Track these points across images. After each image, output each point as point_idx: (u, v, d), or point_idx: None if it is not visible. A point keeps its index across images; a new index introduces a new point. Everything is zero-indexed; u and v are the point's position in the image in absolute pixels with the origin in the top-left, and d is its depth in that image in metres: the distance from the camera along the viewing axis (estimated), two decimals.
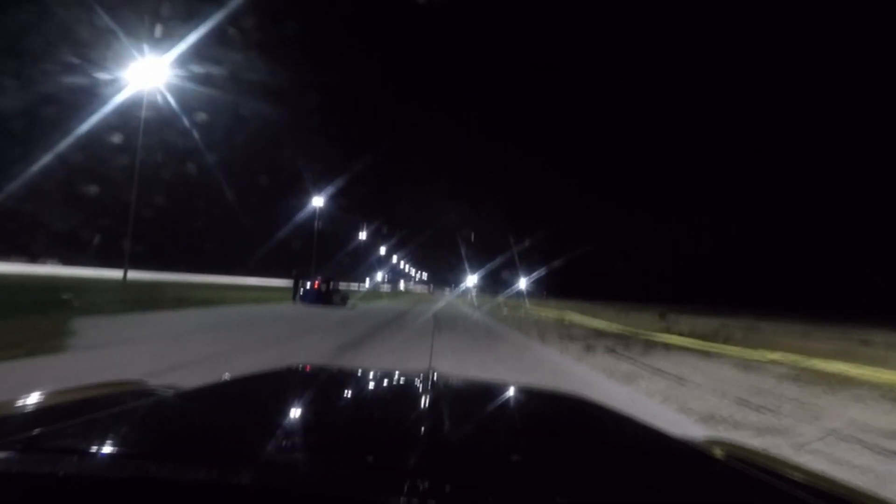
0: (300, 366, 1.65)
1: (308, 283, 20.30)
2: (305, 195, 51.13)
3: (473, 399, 1.40)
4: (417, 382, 1.41)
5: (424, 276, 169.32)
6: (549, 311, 26.37)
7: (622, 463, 0.88)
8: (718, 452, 0.99)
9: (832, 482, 0.87)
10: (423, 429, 0.93)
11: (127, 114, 23.21)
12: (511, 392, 1.52)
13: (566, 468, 0.78)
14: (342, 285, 23.99)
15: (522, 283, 57.07)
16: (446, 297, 51.16)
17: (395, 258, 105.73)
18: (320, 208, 51.07)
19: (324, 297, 19.76)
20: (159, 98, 23.31)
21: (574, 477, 0.74)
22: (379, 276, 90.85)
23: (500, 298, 42.62)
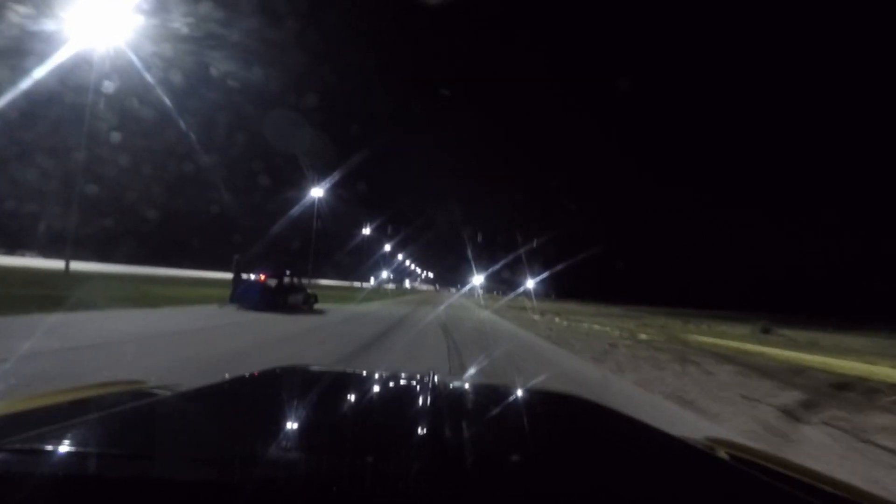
0: (300, 366, 1.62)
1: (253, 277, 12.73)
2: (306, 188, 45.65)
3: (473, 401, 1.32)
4: (418, 384, 1.36)
5: (430, 275, 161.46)
6: (602, 321, 18.78)
7: (623, 463, 0.85)
8: (719, 452, 0.95)
9: (832, 482, 0.83)
10: (422, 430, 0.89)
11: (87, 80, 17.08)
12: (511, 394, 1.42)
13: (567, 468, 0.76)
14: (336, 282, 16.37)
15: (529, 283, 52.17)
16: (453, 297, 44.28)
17: (400, 256, 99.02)
18: (320, 202, 45.71)
19: (273, 299, 12.18)
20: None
21: (575, 477, 0.72)
22: (384, 274, 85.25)
23: (523, 301, 34.99)
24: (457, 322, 13.81)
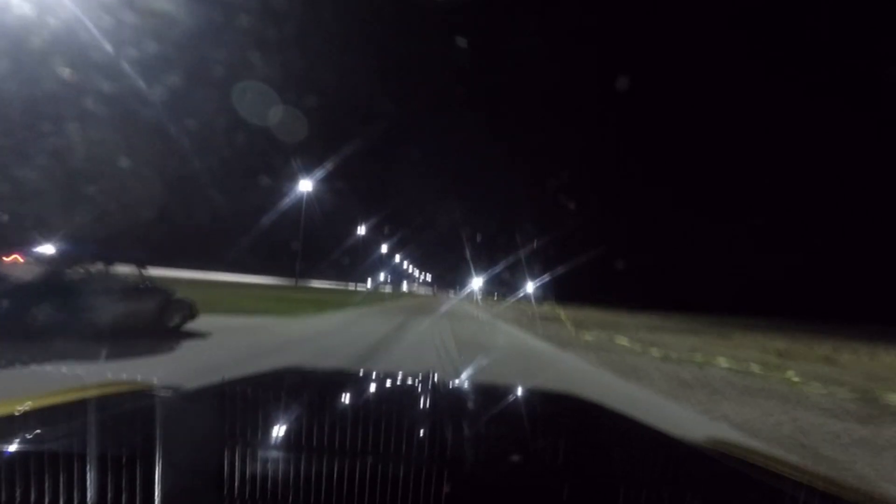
0: (300, 366, 1.59)
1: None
2: (298, 184, 39.53)
3: (474, 400, 1.23)
4: (419, 384, 1.25)
5: (428, 277, 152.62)
6: (693, 343, 11.22)
7: (623, 463, 0.82)
8: (719, 452, 0.91)
9: (832, 482, 0.79)
10: (423, 430, 0.84)
11: None
12: (512, 393, 1.34)
13: (567, 468, 0.74)
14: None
15: (530, 286, 46.98)
16: (453, 302, 37.00)
17: (397, 258, 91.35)
18: (318, 203, 40.01)
19: (25, 309, 4.61)
20: None
21: (575, 477, 0.69)
22: (381, 276, 78.15)
23: (537, 306, 27.30)
24: (481, 356, 6.34)
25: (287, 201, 38.52)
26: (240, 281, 41.98)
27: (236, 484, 0.52)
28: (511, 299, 43.63)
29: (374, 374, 1.65)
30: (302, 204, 40.78)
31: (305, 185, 41.78)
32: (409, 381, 1.30)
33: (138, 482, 0.51)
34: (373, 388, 1.28)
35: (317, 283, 64.87)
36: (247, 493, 0.51)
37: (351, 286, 65.29)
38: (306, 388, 1.20)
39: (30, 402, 0.82)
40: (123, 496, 0.49)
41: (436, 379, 1.20)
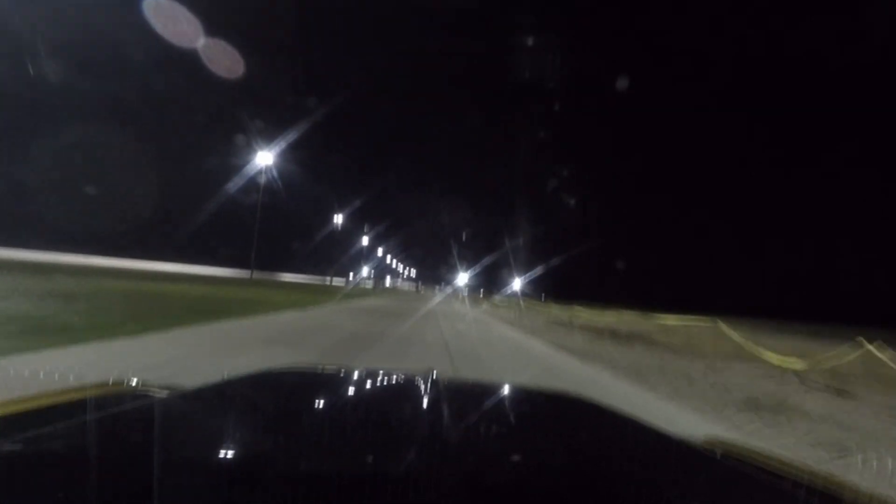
0: (300, 365, 1.53)
1: None
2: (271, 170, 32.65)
3: (474, 399, 1.18)
4: (418, 383, 1.19)
5: (412, 273, 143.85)
6: None
7: (622, 463, 0.79)
8: (718, 452, 0.88)
9: (832, 482, 0.76)
10: (423, 429, 0.82)
11: None
12: (512, 393, 1.31)
13: (567, 468, 0.72)
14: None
15: (517, 283, 45.46)
16: (439, 300, 30.80)
17: (380, 252, 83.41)
18: (289, 188, 33.06)
19: None
20: None
21: (575, 476, 0.68)
22: (364, 271, 70.61)
23: (558, 308, 20.38)
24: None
25: (260, 189, 32.00)
26: (177, 271, 34.26)
27: (236, 484, 0.51)
28: (499, 296, 41.36)
29: (374, 372, 1.49)
30: (259, 189, 33.65)
31: (265, 159, 34.64)
32: (409, 380, 1.25)
33: (137, 482, 0.49)
34: (374, 386, 1.23)
35: (288, 277, 56.83)
36: (246, 493, 0.49)
37: (328, 281, 57.69)
38: (305, 387, 1.15)
39: (29, 402, 0.78)
40: (122, 496, 0.48)
41: (435, 377, 1.15)
